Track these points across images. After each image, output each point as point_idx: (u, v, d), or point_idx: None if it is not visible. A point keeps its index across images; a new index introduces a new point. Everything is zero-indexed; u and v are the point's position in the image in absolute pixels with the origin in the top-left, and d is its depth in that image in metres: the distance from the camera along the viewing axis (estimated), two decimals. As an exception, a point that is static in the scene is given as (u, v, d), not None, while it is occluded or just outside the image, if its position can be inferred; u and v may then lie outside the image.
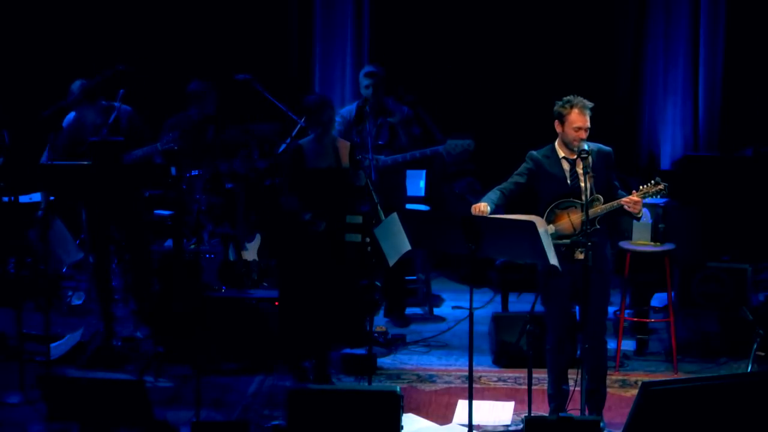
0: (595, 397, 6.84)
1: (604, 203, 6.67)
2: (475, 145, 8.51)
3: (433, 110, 10.02)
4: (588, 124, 6.69)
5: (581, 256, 6.56)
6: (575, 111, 6.67)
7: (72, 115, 8.39)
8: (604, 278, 6.76)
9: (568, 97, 6.73)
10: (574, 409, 6.86)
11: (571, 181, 6.73)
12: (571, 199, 6.70)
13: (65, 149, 8.24)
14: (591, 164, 6.56)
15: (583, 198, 6.60)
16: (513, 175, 6.83)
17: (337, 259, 7.52)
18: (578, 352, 7.11)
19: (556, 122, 6.75)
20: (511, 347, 7.99)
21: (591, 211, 6.57)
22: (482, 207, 6.57)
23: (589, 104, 6.71)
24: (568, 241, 6.63)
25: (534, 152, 6.84)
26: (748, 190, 9.94)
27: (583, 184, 6.61)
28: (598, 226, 6.63)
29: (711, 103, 10.85)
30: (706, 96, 10.83)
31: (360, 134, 8.77)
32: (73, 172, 7.83)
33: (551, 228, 6.63)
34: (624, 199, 6.67)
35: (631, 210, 6.66)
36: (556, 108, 6.74)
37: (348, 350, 7.97)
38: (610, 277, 6.95)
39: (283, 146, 9.08)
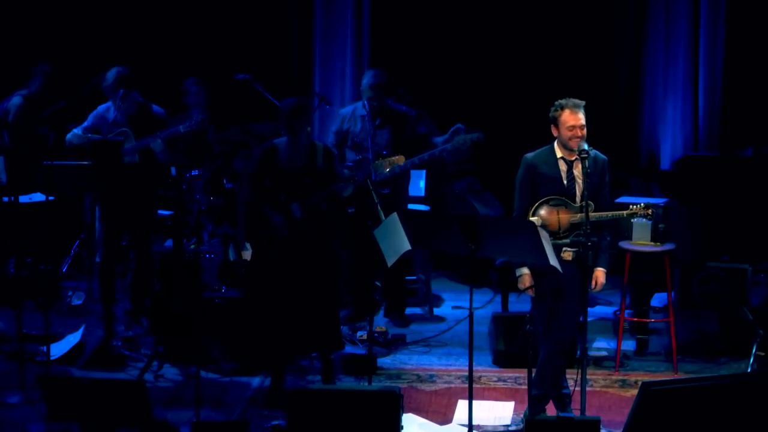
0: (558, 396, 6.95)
1: (594, 211, 6.65)
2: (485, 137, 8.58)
3: (433, 110, 10.03)
4: (581, 122, 6.68)
5: (569, 257, 6.61)
6: (566, 111, 6.69)
7: (105, 105, 8.45)
8: (587, 283, 6.75)
9: (559, 101, 6.75)
10: (574, 409, 6.86)
11: (567, 182, 6.74)
12: (564, 198, 6.71)
13: (87, 130, 8.31)
14: (588, 166, 6.57)
15: (578, 200, 6.65)
16: (519, 187, 6.81)
17: (311, 261, 7.45)
18: (578, 352, 7.11)
19: (552, 126, 6.77)
20: (511, 348, 8.03)
21: (582, 216, 6.56)
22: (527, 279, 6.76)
23: (581, 103, 6.71)
24: (568, 240, 6.63)
25: (529, 155, 6.85)
26: (748, 190, 9.95)
27: (579, 187, 6.65)
28: (588, 230, 6.61)
29: (711, 103, 10.85)
30: (706, 96, 10.84)
31: (359, 135, 8.80)
32: (73, 171, 7.86)
33: (537, 220, 6.63)
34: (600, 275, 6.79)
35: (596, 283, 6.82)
36: (550, 113, 6.76)
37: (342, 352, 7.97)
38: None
39: (260, 150, 9.04)
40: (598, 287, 6.87)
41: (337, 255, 7.75)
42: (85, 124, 8.38)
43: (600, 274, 6.83)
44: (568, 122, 6.68)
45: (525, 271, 6.79)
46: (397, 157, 7.93)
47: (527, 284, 6.79)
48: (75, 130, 8.35)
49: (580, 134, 6.68)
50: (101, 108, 8.45)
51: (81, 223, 9.56)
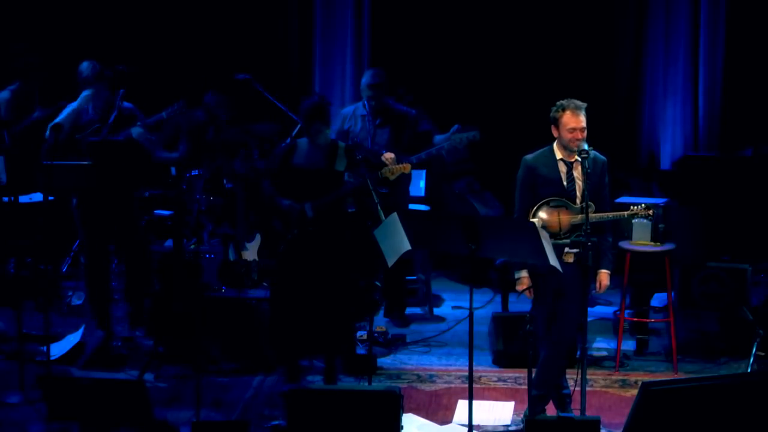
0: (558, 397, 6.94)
1: (595, 212, 6.64)
2: (482, 135, 8.57)
3: (433, 110, 10.02)
4: (582, 125, 6.68)
5: (570, 260, 6.62)
6: (567, 113, 6.68)
7: (82, 95, 8.40)
8: (587, 283, 6.75)
9: (561, 101, 6.74)
10: (574, 409, 6.86)
11: (567, 183, 6.74)
12: (564, 200, 6.70)
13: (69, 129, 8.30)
14: (588, 166, 6.56)
15: (578, 201, 6.66)
16: (519, 189, 6.81)
17: (327, 259, 7.47)
18: (578, 352, 7.11)
19: (552, 127, 6.76)
20: (511, 348, 8.02)
21: (582, 216, 6.56)
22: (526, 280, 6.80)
23: (582, 105, 6.71)
24: (568, 240, 6.63)
25: (528, 156, 6.85)
26: (748, 190, 9.95)
27: (579, 188, 6.65)
28: (588, 230, 6.61)
29: (711, 103, 10.85)
30: (706, 96, 10.83)
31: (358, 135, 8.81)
32: (73, 171, 7.85)
33: (537, 222, 6.63)
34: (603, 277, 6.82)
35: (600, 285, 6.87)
36: (550, 114, 6.76)
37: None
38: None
39: (283, 146, 9.09)
40: (602, 289, 6.87)
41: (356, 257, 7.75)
42: (62, 115, 8.31)
43: (604, 276, 6.82)
44: (569, 124, 6.67)
45: (524, 273, 6.79)
46: (403, 165, 7.97)
47: (525, 287, 6.79)
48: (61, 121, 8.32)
49: (580, 137, 6.68)
50: (75, 104, 8.37)
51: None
